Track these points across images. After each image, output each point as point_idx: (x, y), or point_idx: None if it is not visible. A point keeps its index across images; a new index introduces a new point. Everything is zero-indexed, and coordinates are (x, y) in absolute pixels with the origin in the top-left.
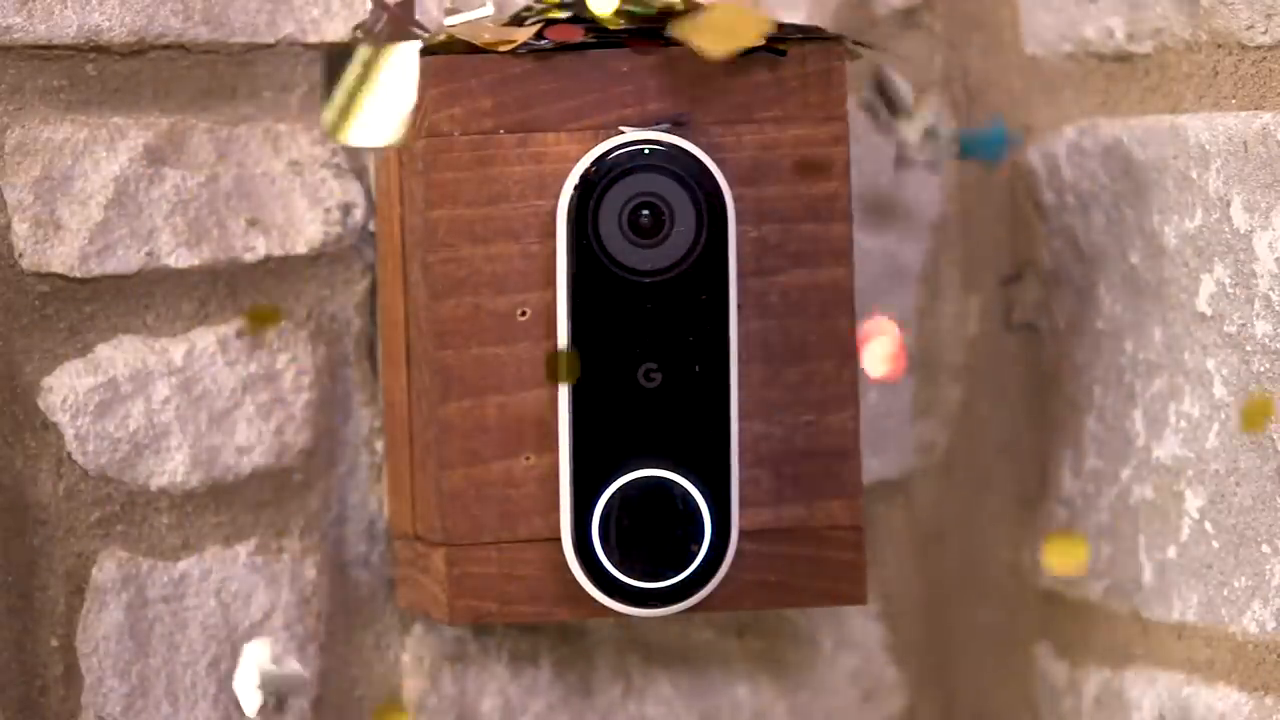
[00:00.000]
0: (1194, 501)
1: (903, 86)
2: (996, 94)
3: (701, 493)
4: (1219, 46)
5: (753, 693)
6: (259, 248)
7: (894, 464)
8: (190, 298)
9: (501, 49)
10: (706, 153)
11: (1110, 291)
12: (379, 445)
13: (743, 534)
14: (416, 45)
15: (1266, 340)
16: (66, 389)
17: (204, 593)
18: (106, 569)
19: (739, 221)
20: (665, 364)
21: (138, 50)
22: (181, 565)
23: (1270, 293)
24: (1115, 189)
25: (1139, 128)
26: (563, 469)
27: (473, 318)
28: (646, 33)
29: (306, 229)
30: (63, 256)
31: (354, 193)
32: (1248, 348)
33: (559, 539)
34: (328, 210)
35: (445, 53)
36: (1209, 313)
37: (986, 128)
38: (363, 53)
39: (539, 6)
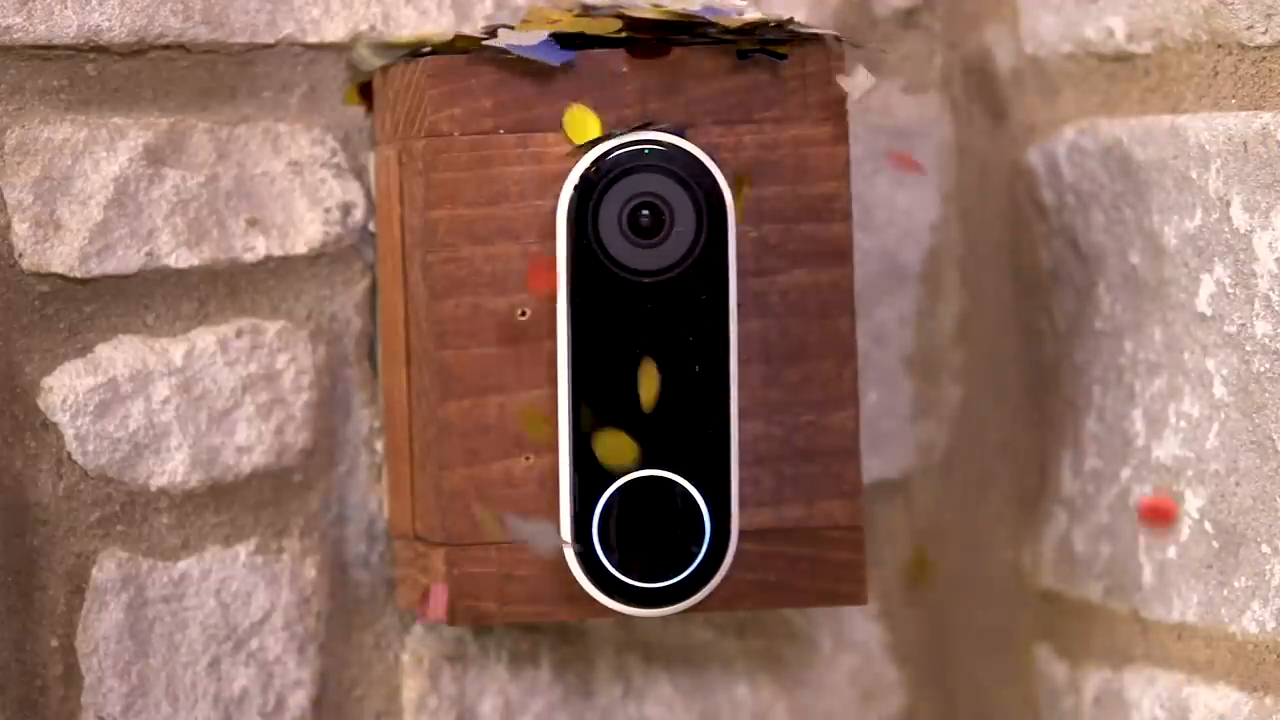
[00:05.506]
0: (1194, 501)
1: None
2: (996, 94)
3: (701, 493)
4: (1219, 46)
5: (753, 693)
6: (259, 248)
7: (894, 464)
8: (190, 298)
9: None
10: (706, 153)
11: (1110, 291)
12: (379, 445)
13: (742, 534)
14: None
15: (1266, 340)
16: (66, 389)
17: (204, 593)
18: (106, 569)
19: (739, 221)
20: (665, 364)
21: (138, 50)
22: (181, 565)
23: (1270, 293)
24: (1115, 189)
25: (1139, 128)
26: (563, 469)
27: (473, 318)
28: (646, 44)
29: (306, 229)
30: (63, 256)
31: (354, 193)
32: (1248, 348)
33: None
34: (328, 210)
35: (445, 53)
36: (1209, 313)
37: None
38: None
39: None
